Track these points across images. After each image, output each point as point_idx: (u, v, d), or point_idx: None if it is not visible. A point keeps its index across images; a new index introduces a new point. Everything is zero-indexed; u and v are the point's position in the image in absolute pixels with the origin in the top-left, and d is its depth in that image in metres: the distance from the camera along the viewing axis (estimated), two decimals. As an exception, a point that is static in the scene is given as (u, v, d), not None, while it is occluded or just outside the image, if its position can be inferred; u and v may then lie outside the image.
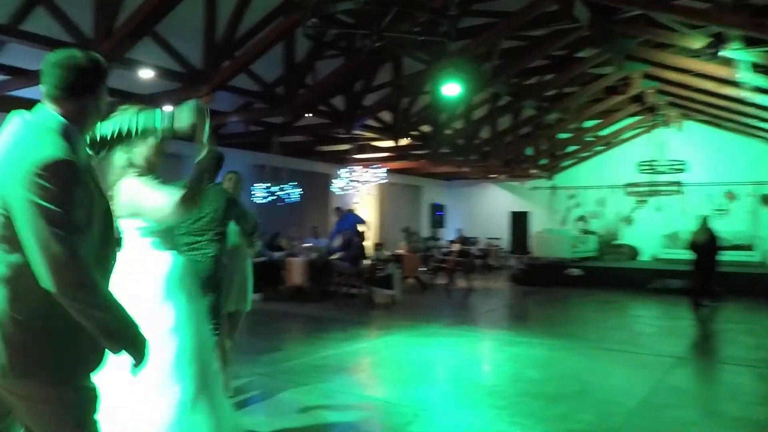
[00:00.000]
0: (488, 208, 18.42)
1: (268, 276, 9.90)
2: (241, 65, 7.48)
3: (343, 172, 11.66)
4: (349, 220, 11.40)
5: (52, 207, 1.53)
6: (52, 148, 1.61)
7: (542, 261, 13.77)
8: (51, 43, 6.55)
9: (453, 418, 4.03)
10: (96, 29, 6.52)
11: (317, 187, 13.88)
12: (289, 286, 9.90)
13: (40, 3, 6.45)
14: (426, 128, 11.77)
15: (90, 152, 1.94)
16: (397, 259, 11.40)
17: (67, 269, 1.53)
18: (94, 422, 1.71)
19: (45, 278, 1.53)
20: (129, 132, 2.28)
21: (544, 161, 15.92)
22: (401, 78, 9.57)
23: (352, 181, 11.57)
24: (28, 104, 7.05)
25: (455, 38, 6.11)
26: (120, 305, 1.66)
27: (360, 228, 11.09)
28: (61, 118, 1.72)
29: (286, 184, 11.17)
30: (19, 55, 7.22)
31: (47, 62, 1.75)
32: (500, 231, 17.98)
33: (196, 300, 2.66)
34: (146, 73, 7.25)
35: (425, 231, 17.35)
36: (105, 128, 2.27)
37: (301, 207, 13.18)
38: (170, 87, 8.08)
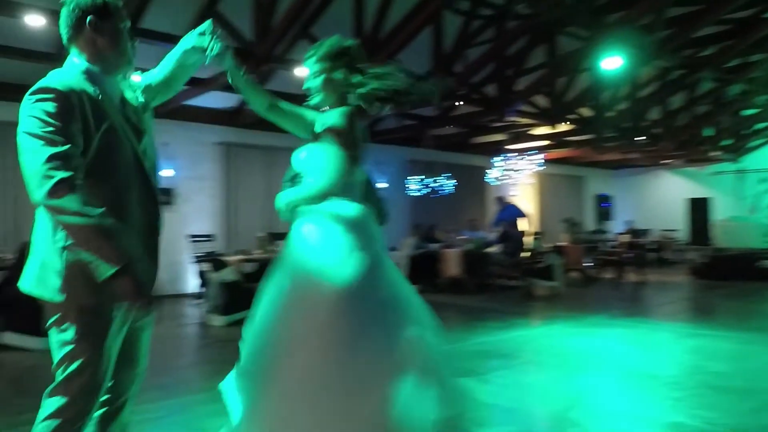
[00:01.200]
0: (661, 198, 16.91)
1: (425, 268, 9.92)
2: (388, 55, 7.54)
3: (497, 160, 11.33)
4: (509, 211, 11.06)
5: (32, 123, 1.68)
6: (47, 79, 1.75)
7: (728, 252, 12.26)
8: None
9: (619, 406, 3.65)
10: (255, 33, 6.97)
11: (473, 180, 13.70)
12: (446, 277, 9.82)
13: (210, 15, 7.05)
14: (586, 111, 11.07)
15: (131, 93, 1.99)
16: (558, 250, 10.83)
17: (37, 177, 1.63)
18: (99, 348, 1.78)
19: (29, 190, 1.67)
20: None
21: (727, 142, 14.21)
22: (556, 57, 9.08)
23: (507, 170, 11.20)
24: (201, 113, 7.55)
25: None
26: (113, 229, 1.65)
27: (520, 221, 10.71)
28: (79, 61, 1.85)
29: (440, 176, 11.13)
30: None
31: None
32: (676, 222, 16.39)
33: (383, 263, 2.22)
34: (301, 71, 7.60)
35: (590, 224, 16.34)
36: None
37: (456, 200, 13.09)
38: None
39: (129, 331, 1.93)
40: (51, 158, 1.64)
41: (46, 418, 1.75)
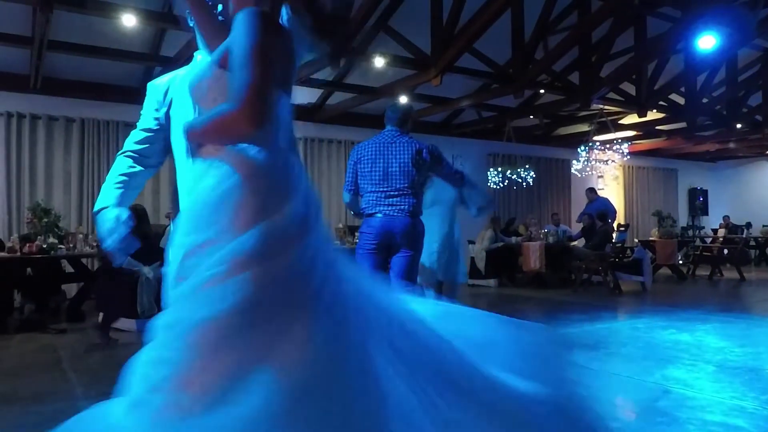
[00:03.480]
0: (764, 191, 15.70)
1: (504, 261, 9.72)
2: (465, 43, 7.41)
3: (581, 150, 10.91)
4: (597, 204, 10.63)
5: None
6: None
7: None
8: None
9: (713, 397, 3.39)
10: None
11: (555, 173, 13.30)
12: (526, 271, 9.56)
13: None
14: (678, 98, 10.45)
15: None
16: (647, 245, 10.31)
17: None
18: None
19: None
20: None
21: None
22: (645, 40, 8.62)
23: (591, 160, 10.76)
24: (368, 120, 7.46)
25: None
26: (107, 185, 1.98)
27: (609, 215, 10.25)
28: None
29: (520, 168, 10.86)
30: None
31: None
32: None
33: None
34: (379, 62, 7.63)
35: (683, 219, 15.45)
36: None
37: (538, 193, 12.76)
38: (401, 75, 8.40)
39: None
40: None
41: None
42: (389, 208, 3.68)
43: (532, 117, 11.18)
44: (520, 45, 8.03)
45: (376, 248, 3.71)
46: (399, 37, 7.75)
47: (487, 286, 9.37)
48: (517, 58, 8.16)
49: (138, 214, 5.37)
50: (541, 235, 9.95)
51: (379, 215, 3.70)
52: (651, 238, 11.06)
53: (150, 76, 8.39)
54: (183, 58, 7.14)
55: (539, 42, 8.40)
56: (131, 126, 2.13)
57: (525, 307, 7.43)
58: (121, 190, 1.96)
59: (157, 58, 7.79)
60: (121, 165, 2.02)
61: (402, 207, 3.66)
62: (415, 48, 7.81)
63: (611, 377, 3.94)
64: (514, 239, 10.18)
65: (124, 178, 1.99)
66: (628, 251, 9.60)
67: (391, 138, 3.79)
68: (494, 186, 11.08)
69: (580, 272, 9.20)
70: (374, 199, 3.74)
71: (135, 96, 9.53)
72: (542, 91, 9.22)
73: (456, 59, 7.70)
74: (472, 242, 10.24)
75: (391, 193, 3.69)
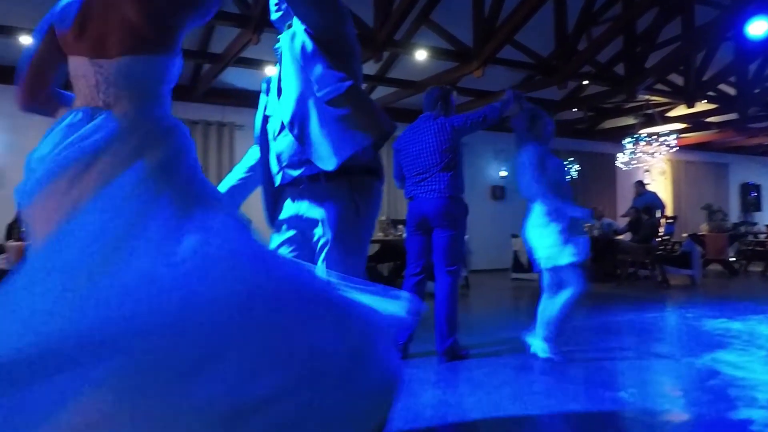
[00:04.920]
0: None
1: (548, 255, 9.61)
2: (507, 35, 7.40)
3: (627, 143, 10.72)
4: (644, 198, 10.42)
5: None
6: None
7: None
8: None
9: (766, 378, 3.33)
10: (375, 18, 7.15)
11: (600, 168, 13.10)
12: (570, 265, 9.43)
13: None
14: (728, 88, 10.17)
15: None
16: (697, 239, 10.06)
17: None
18: None
19: None
20: None
21: None
22: (692, 29, 8.43)
23: (638, 152, 10.56)
24: (411, 115, 7.39)
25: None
26: None
27: (656, 209, 10.02)
28: None
29: (564, 160, 10.75)
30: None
31: None
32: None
33: None
34: (421, 55, 7.69)
35: (735, 215, 14.98)
36: None
37: (582, 188, 12.58)
38: (443, 68, 8.44)
39: None
40: None
41: None
42: (422, 191, 3.76)
43: (576, 110, 11.04)
44: (563, 36, 7.98)
45: (416, 229, 3.83)
46: (440, 30, 7.79)
47: (530, 279, 9.30)
48: (560, 50, 8.10)
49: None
50: (585, 229, 9.81)
51: (416, 198, 3.80)
52: (701, 233, 10.78)
53: (198, 73, 8.64)
54: (231, 54, 7.34)
55: (583, 33, 8.31)
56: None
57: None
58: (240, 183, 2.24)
59: (206, 56, 7.98)
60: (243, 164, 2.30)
61: (434, 187, 3.72)
62: (456, 40, 7.84)
63: (659, 359, 3.90)
64: (557, 233, 10.07)
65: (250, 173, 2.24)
66: (676, 246, 9.39)
67: (419, 123, 3.89)
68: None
69: (625, 266, 9.05)
70: (411, 183, 3.86)
71: (184, 93, 9.73)
72: (586, 82, 9.11)
73: (498, 51, 7.69)
74: (515, 236, 10.18)
75: (424, 175, 3.77)
